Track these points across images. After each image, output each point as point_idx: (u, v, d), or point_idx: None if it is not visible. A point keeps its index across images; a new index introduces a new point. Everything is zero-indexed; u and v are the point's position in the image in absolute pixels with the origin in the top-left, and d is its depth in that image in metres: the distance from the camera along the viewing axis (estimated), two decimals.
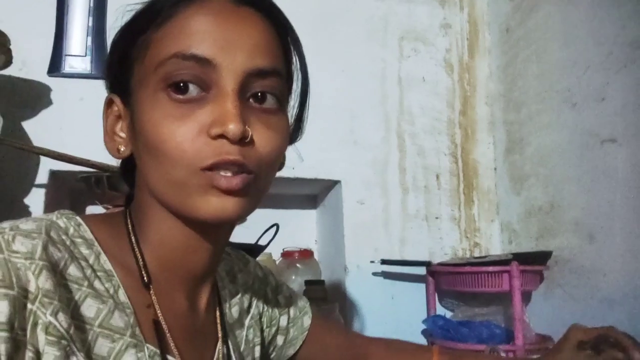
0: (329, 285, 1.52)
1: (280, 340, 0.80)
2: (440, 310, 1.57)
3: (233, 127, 0.48)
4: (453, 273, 1.43)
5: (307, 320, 0.82)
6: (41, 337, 0.44)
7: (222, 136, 0.49)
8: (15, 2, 1.37)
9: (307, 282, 1.45)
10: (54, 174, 1.36)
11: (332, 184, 1.59)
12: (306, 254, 1.60)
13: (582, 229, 1.34)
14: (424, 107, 1.67)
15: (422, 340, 1.53)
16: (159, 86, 0.51)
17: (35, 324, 0.44)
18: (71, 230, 0.52)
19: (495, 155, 1.71)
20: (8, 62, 1.24)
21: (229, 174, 0.50)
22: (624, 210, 1.21)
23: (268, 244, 1.31)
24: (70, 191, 1.52)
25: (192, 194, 0.50)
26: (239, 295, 0.73)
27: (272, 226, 1.33)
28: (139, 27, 0.55)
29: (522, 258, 1.37)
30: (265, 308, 0.77)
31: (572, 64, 1.38)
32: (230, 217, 0.51)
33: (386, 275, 1.56)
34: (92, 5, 1.42)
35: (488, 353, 1.06)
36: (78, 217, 0.55)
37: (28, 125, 1.36)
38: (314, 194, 1.75)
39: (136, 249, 0.56)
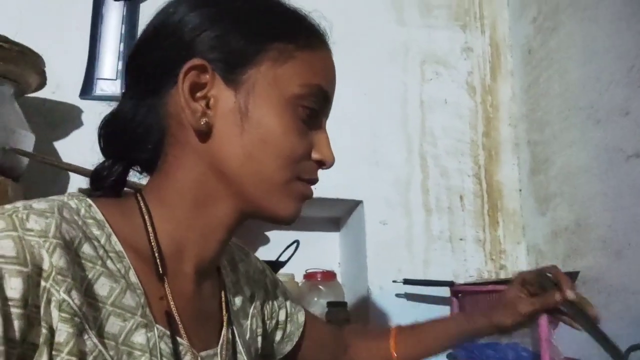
0: (351, 306, 1.51)
1: (278, 335, 0.81)
2: None
3: (332, 161, 0.62)
4: (477, 293, 1.40)
5: (301, 316, 0.84)
6: (55, 314, 0.45)
7: (320, 162, 0.62)
8: (50, 28, 1.45)
9: (330, 304, 1.43)
10: (82, 193, 1.39)
11: (354, 204, 1.59)
12: (329, 275, 1.59)
13: (609, 246, 1.30)
14: (446, 128, 1.67)
15: None
16: (296, 101, 0.58)
17: (49, 301, 0.45)
18: (82, 211, 0.53)
19: (520, 177, 1.69)
20: (42, 83, 1.30)
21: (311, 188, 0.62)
22: None
23: (288, 259, 1.32)
24: None
25: (285, 196, 0.59)
26: (240, 284, 0.73)
27: (292, 243, 1.33)
28: (273, 31, 0.59)
29: None
30: (267, 299, 0.78)
31: (595, 80, 1.38)
32: (296, 219, 0.62)
33: (409, 297, 1.53)
34: (123, 31, 1.48)
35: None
36: (89, 199, 0.55)
37: (59, 145, 1.41)
38: (337, 216, 1.75)
39: (152, 238, 0.57)
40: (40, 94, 1.34)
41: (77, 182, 1.36)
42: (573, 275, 1.37)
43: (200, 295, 0.62)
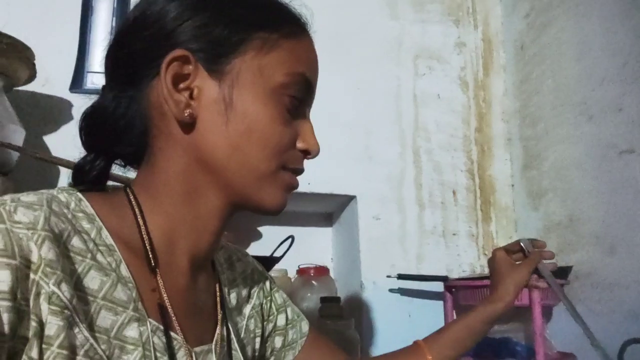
0: (345, 301, 1.51)
1: (278, 342, 0.78)
2: None
3: (317, 150, 0.62)
4: (471, 287, 1.40)
5: (305, 326, 0.81)
6: (44, 307, 0.44)
7: (305, 152, 0.61)
8: (39, 20, 1.42)
9: (323, 299, 1.43)
10: None
11: (347, 200, 1.59)
12: (322, 271, 1.59)
13: (602, 242, 1.31)
14: (439, 123, 1.67)
15: None
16: (281, 90, 0.58)
17: (38, 294, 0.44)
18: (72, 205, 0.52)
19: (513, 172, 1.70)
20: (32, 76, 1.27)
21: (297, 178, 0.61)
22: None
23: (283, 255, 1.31)
24: None
25: (272, 186, 0.59)
26: (236, 283, 0.72)
27: (287, 238, 1.32)
28: (256, 20, 0.58)
29: None
30: (265, 301, 0.77)
31: (588, 76, 1.38)
32: (282, 210, 0.61)
33: (403, 292, 1.53)
34: (113, 24, 1.46)
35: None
36: (79, 193, 0.54)
37: (49, 140, 1.38)
38: (329, 211, 1.75)
39: (143, 231, 0.56)
40: (29, 87, 1.32)
41: (68, 176, 1.34)
42: (566, 270, 1.38)
43: (195, 290, 0.61)
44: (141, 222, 0.56)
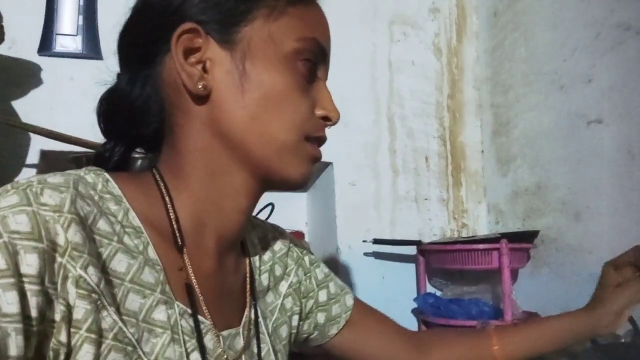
0: None
1: (321, 317, 0.76)
2: (430, 289, 1.60)
3: (337, 116, 0.61)
4: (444, 251, 1.46)
5: (349, 300, 0.79)
6: (72, 290, 0.44)
7: (325, 118, 0.60)
8: None
9: None
10: (44, 154, 1.34)
11: (323, 166, 1.60)
12: (297, 235, 1.62)
13: (568, 208, 1.37)
14: (413, 90, 1.69)
15: (412, 319, 1.56)
16: (295, 56, 0.57)
17: (65, 278, 0.44)
18: (99, 186, 0.52)
19: (483, 138, 1.74)
20: (0, 39, 1.22)
21: (320, 148, 0.61)
22: (609, 189, 1.25)
23: None
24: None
25: (294, 157, 0.57)
26: (270, 263, 0.72)
27: (267, 205, 1.33)
28: None
29: (511, 236, 1.40)
30: (304, 277, 0.75)
31: (560, 46, 1.41)
32: (307, 182, 0.60)
33: (377, 255, 1.58)
34: None
35: (479, 328, 1.06)
36: (106, 174, 0.54)
37: (18, 105, 1.34)
38: None
39: (170, 210, 0.56)
40: None
41: (39, 143, 1.31)
42: (533, 234, 1.44)
43: (223, 272, 0.61)
44: (168, 202, 0.56)
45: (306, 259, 0.77)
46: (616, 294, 0.81)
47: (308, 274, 0.76)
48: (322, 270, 0.79)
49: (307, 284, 0.76)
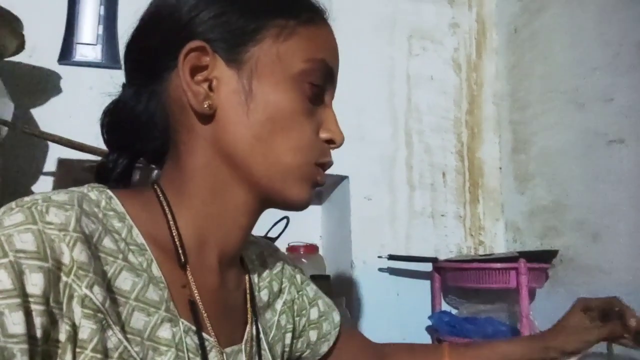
0: (334, 280, 1.53)
1: (313, 335, 0.77)
2: (445, 307, 1.57)
3: (341, 139, 0.60)
4: (460, 269, 1.44)
5: (336, 316, 0.80)
6: (77, 310, 0.43)
7: (329, 141, 0.59)
8: None
9: (312, 277, 1.44)
10: (61, 163, 1.35)
11: (339, 179, 1.59)
12: (311, 249, 1.60)
13: (586, 228, 1.35)
14: (431, 105, 1.68)
15: (427, 336, 1.53)
16: (302, 77, 0.56)
17: (70, 297, 0.43)
18: (103, 203, 0.51)
19: (501, 155, 1.72)
20: (21, 47, 1.23)
21: (324, 172, 0.60)
22: (628, 209, 1.23)
23: (279, 236, 1.31)
24: (74, 182, 1.51)
25: (297, 180, 0.57)
26: (268, 279, 0.72)
27: (282, 219, 1.33)
28: (272, 8, 0.57)
29: (529, 256, 1.38)
30: (296, 296, 0.76)
31: (579, 64, 1.40)
32: (308, 206, 0.60)
33: (392, 271, 1.56)
34: None
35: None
36: (109, 191, 0.54)
37: (37, 113, 1.35)
38: (319, 190, 1.75)
39: (172, 227, 0.55)
40: (16, 58, 1.27)
41: (57, 151, 1.31)
42: (552, 254, 1.41)
43: (225, 288, 0.61)
44: (170, 218, 0.56)
45: (298, 277, 0.78)
46: (573, 336, 0.81)
47: (300, 292, 0.77)
48: (312, 288, 0.80)
49: (300, 302, 0.76)
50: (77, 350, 0.43)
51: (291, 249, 1.58)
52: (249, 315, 0.63)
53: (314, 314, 0.77)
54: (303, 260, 1.58)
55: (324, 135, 0.59)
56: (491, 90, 1.75)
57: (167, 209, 0.56)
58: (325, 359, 0.79)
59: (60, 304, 0.43)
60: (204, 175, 0.57)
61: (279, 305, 0.72)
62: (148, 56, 0.57)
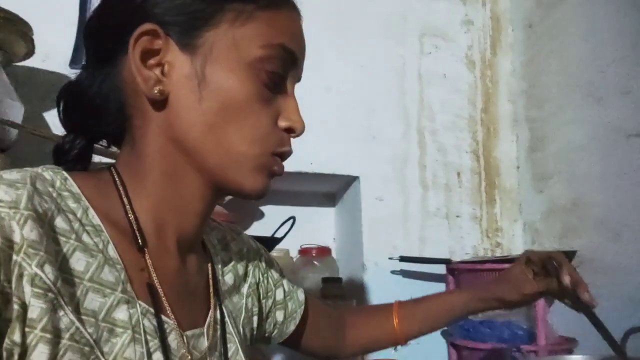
0: (346, 282, 1.50)
1: (280, 315, 0.79)
2: None
3: (302, 128, 0.59)
4: (474, 271, 1.40)
5: (301, 295, 0.82)
6: (27, 289, 0.43)
7: (289, 130, 0.58)
8: None
9: (325, 280, 1.43)
10: None
11: (350, 180, 1.57)
12: (324, 251, 1.58)
13: (606, 227, 1.30)
14: (444, 103, 1.64)
15: (441, 340, 1.49)
16: (258, 65, 0.55)
17: (20, 276, 0.43)
18: (58, 184, 0.51)
19: (518, 153, 1.68)
20: (31, 52, 1.25)
21: (283, 162, 0.59)
22: None
23: (284, 236, 1.30)
24: None
25: (252, 170, 0.56)
26: (232, 263, 0.71)
27: (288, 219, 1.31)
28: None
29: None
30: (261, 278, 0.76)
31: (596, 58, 1.35)
32: (265, 196, 0.58)
33: (405, 273, 1.53)
34: None
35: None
36: (64, 172, 0.53)
37: (49, 116, 1.37)
38: (332, 191, 1.74)
39: (129, 210, 0.55)
40: (29, 62, 1.30)
41: None
42: (570, 254, 1.36)
43: (185, 272, 0.60)
44: (126, 202, 0.55)
45: (262, 259, 0.78)
46: (512, 287, 0.84)
47: (265, 275, 0.77)
48: (276, 269, 0.81)
49: (266, 284, 0.77)
50: (27, 329, 0.43)
51: (303, 251, 1.57)
52: (212, 300, 0.63)
53: (279, 294, 0.79)
54: (315, 262, 1.56)
55: (282, 123, 0.58)
56: (507, 87, 1.71)
57: (123, 193, 0.55)
58: (292, 335, 0.81)
59: (10, 282, 0.42)
60: (158, 160, 0.56)
61: (244, 288, 0.72)
62: (103, 38, 0.57)
